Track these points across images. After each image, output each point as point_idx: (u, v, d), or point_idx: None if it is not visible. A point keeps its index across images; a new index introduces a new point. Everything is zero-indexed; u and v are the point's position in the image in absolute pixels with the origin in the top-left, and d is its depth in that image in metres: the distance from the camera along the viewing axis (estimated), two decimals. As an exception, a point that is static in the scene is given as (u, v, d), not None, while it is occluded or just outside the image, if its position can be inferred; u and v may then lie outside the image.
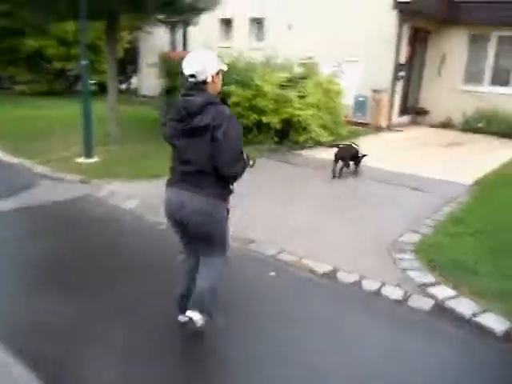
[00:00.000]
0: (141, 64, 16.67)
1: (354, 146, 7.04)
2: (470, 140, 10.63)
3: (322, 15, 11.85)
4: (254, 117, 8.15)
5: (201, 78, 2.59)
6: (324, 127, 8.68)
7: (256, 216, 5.04)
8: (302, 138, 8.36)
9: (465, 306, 3.30)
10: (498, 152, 9.40)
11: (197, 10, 8.71)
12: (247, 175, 2.81)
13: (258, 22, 13.69)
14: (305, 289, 3.64)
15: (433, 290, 3.53)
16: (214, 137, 2.51)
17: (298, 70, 9.20)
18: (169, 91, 9.02)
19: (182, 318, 2.88)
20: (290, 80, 8.46)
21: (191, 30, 12.37)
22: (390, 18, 10.92)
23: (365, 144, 7.80)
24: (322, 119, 8.62)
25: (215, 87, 2.69)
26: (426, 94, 13.34)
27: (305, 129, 8.36)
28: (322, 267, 3.90)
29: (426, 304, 3.41)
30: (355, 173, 6.98)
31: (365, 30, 11.11)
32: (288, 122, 8.24)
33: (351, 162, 6.89)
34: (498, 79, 12.51)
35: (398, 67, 11.39)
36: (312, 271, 3.88)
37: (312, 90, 8.58)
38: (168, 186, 2.77)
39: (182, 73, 2.64)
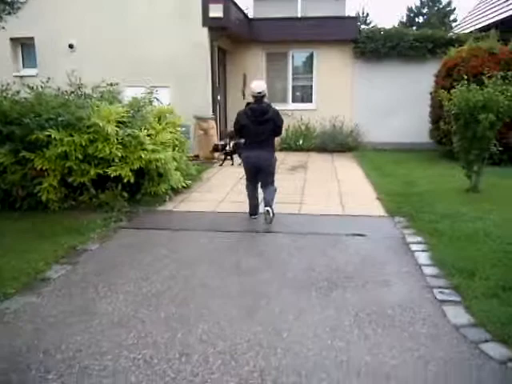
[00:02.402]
0: None
1: None
2: (308, 160, 10.26)
3: (116, 33, 9.74)
4: (95, 171, 5.69)
5: (263, 93, 5.25)
6: (178, 169, 6.78)
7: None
8: (162, 189, 6.27)
9: None
10: (348, 167, 9.23)
11: None
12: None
13: (22, 44, 10.55)
14: None
15: None
16: (275, 123, 5.27)
17: (125, 101, 7.01)
18: None
19: (261, 211, 5.52)
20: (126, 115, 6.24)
21: None
22: (201, 36, 9.64)
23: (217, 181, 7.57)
24: (177, 160, 6.71)
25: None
26: (233, 115, 12.53)
27: (160, 176, 6.30)
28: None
29: None
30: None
31: (174, 50, 9.58)
32: (140, 172, 6.05)
33: None
34: (299, 96, 12.70)
35: (216, 90, 10.22)
36: None
37: (157, 125, 6.58)
38: (248, 149, 5.39)
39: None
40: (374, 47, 11.70)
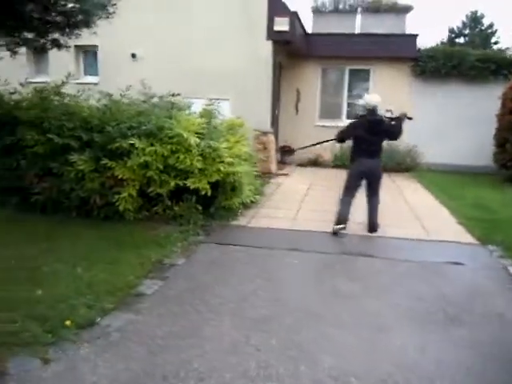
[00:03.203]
0: None
1: None
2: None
3: (180, 46, 9.73)
4: (175, 183, 5.54)
5: (376, 106, 5.51)
6: (249, 184, 6.60)
7: None
8: (235, 203, 6.08)
9: None
10: (412, 188, 8.91)
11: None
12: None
13: (86, 51, 10.63)
14: None
15: None
16: (389, 134, 5.72)
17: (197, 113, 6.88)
18: None
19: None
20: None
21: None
22: (265, 49, 9.52)
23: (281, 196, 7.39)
24: (249, 174, 6.53)
25: None
26: (284, 131, 12.39)
27: (233, 189, 6.11)
28: None
29: None
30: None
31: (236, 63, 9.48)
32: (214, 185, 5.87)
33: None
34: (353, 112, 12.43)
35: (276, 105, 10.07)
36: None
37: (231, 138, 6.42)
38: (360, 158, 5.58)
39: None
40: (435, 66, 11.39)
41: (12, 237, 4.99)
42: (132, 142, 5.26)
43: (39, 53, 9.31)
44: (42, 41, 6.07)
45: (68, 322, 3.21)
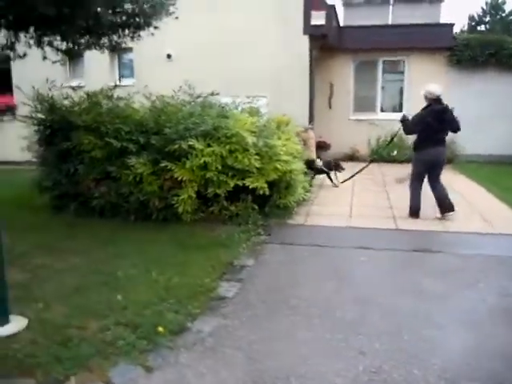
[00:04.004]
0: None
1: None
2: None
3: (215, 42, 9.66)
4: (234, 182, 5.48)
5: (440, 95, 5.70)
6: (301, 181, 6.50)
7: None
8: (290, 201, 5.99)
9: None
10: (459, 181, 8.70)
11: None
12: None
13: (120, 53, 10.65)
14: None
15: None
16: (454, 122, 5.77)
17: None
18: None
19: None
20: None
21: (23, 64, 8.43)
22: (302, 44, 9.40)
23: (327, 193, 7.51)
24: (300, 172, 6.43)
25: None
26: (318, 126, 12.22)
27: (287, 188, 6.02)
28: None
29: None
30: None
31: (272, 59, 9.41)
32: (270, 183, 5.78)
33: None
34: (389, 105, 12.26)
35: (313, 100, 9.95)
36: None
37: (282, 135, 6.34)
38: (427, 146, 5.72)
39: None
40: (472, 55, 11.13)
41: (77, 242, 4.98)
42: (191, 143, 5.20)
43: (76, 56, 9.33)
44: (109, 42, 6.07)
45: (160, 328, 3.17)
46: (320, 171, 8.17)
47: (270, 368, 2.79)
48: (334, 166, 8.14)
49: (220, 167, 5.40)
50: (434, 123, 5.62)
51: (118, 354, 2.93)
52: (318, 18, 9.06)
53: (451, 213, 5.83)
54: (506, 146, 11.12)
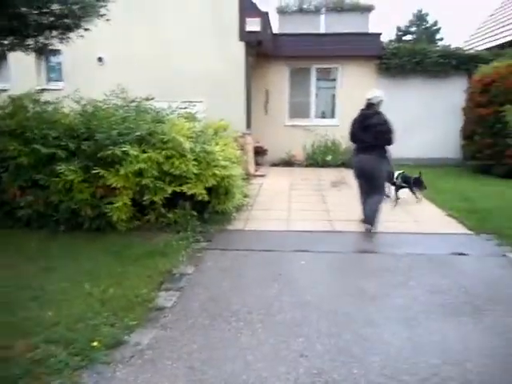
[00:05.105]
0: None
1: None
2: (344, 176, 10.06)
3: (150, 46, 9.47)
4: (171, 189, 5.36)
5: (373, 100, 5.40)
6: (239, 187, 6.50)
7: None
8: (229, 206, 5.96)
9: None
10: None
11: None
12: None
13: (47, 56, 10.14)
14: None
15: None
16: (378, 129, 5.25)
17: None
18: None
19: None
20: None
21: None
22: (238, 50, 9.44)
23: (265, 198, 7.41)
24: (238, 177, 6.42)
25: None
26: (255, 131, 12.31)
27: (226, 193, 5.99)
28: None
29: None
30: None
31: (208, 64, 9.37)
32: (208, 189, 5.73)
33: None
34: (321, 111, 12.58)
35: (250, 106, 10.00)
36: None
37: (220, 141, 6.31)
38: (355, 154, 5.61)
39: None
40: (400, 63, 11.70)
41: (1, 256, 4.64)
42: (125, 149, 5.02)
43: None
44: (34, 43, 5.72)
45: (95, 343, 3.01)
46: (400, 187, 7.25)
47: (211, 377, 2.73)
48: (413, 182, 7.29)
49: (156, 173, 5.26)
50: (357, 130, 5.43)
51: (50, 373, 2.75)
52: (253, 25, 9.14)
53: (369, 227, 5.52)
54: (433, 150, 11.75)
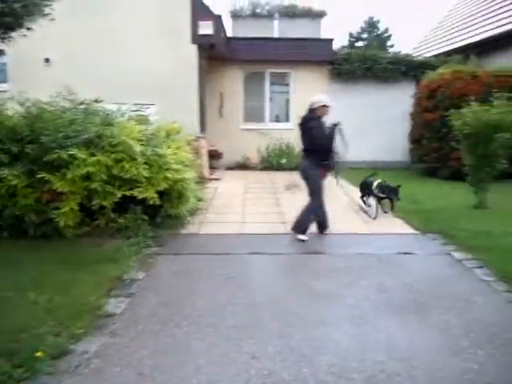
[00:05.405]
0: None
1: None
2: (297, 179, 10.15)
3: (99, 48, 9.26)
4: (121, 193, 5.25)
5: (313, 105, 5.27)
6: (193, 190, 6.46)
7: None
8: (182, 211, 5.91)
9: None
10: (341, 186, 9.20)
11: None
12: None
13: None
14: None
15: None
16: (308, 134, 5.24)
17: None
18: None
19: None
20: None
21: None
22: (190, 53, 9.39)
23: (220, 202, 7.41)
24: (192, 181, 6.38)
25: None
26: (210, 135, 12.27)
27: (179, 197, 5.94)
28: None
29: None
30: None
31: (160, 67, 9.26)
32: (160, 193, 5.66)
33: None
34: (276, 115, 12.71)
35: (204, 109, 9.97)
36: None
37: (172, 144, 6.25)
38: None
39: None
40: (351, 69, 12.00)
41: None
42: (72, 152, 4.88)
43: None
44: None
45: (39, 354, 2.89)
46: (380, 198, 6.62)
47: (161, 382, 2.69)
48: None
49: (105, 177, 5.14)
50: (300, 135, 5.46)
51: (-10, 387, 2.61)
52: (206, 28, 9.12)
53: (298, 236, 5.40)
54: (383, 153, 12.10)
